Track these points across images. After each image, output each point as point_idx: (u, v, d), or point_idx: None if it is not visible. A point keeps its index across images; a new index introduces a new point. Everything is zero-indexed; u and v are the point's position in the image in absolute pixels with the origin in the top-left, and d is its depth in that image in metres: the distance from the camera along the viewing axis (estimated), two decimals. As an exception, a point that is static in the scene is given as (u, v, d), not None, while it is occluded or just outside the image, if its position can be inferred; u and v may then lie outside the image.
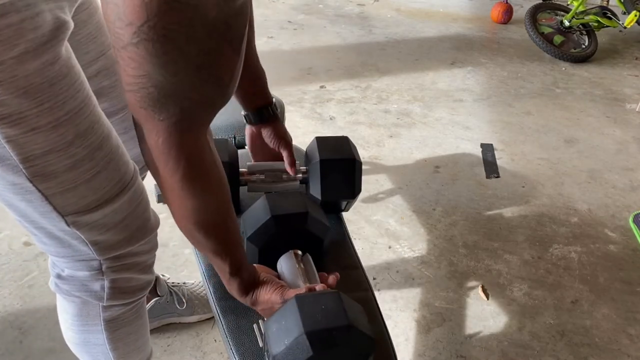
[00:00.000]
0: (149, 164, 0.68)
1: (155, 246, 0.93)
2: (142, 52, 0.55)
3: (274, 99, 1.08)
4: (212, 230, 0.74)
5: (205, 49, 0.57)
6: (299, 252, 0.91)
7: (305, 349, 0.70)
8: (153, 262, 0.95)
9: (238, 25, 0.60)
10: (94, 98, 0.76)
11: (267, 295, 0.82)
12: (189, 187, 0.68)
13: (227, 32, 0.58)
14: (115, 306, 0.93)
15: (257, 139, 1.08)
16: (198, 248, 0.78)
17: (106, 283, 0.88)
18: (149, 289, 0.97)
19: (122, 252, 0.86)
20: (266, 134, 1.07)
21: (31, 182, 0.71)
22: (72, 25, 0.72)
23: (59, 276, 0.89)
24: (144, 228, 0.87)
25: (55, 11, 0.68)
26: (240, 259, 0.80)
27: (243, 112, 1.07)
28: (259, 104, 1.05)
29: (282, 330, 0.72)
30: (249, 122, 1.07)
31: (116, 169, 0.79)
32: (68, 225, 0.78)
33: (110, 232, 0.82)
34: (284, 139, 1.07)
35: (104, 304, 0.91)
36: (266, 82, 1.07)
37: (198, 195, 0.69)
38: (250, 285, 0.82)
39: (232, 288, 0.82)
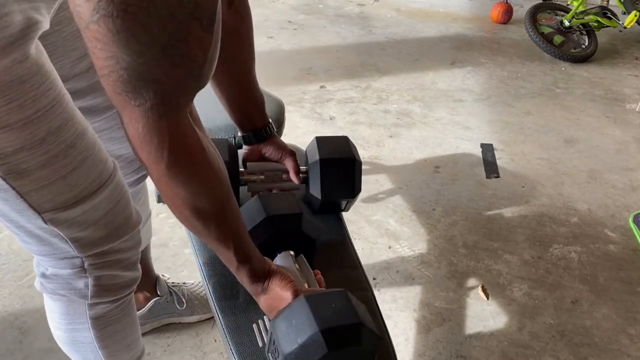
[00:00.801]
0: (135, 154, 0.67)
1: (138, 243, 0.92)
2: (103, 29, 0.54)
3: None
4: (211, 218, 0.73)
5: (170, 27, 0.56)
6: (292, 253, 0.91)
7: (321, 347, 0.70)
8: (137, 259, 0.94)
9: (206, 1, 0.58)
10: (67, 96, 0.76)
11: (277, 287, 0.80)
12: (177, 174, 0.67)
13: (195, 9, 0.57)
14: (101, 304, 0.93)
15: (253, 156, 1.09)
16: (201, 237, 0.77)
17: (90, 281, 0.88)
18: (135, 286, 0.96)
19: (103, 249, 0.85)
20: (266, 150, 1.07)
21: (4, 179, 0.71)
22: (45, 25, 0.72)
23: (43, 275, 0.89)
24: (125, 225, 0.87)
25: (28, 11, 0.68)
26: (247, 246, 0.79)
27: (240, 134, 1.07)
28: (256, 126, 1.06)
29: (294, 329, 0.72)
30: (247, 142, 1.08)
31: (92, 166, 0.79)
32: (45, 222, 0.78)
33: (90, 229, 0.82)
34: (286, 149, 1.07)
35: (89, 302, 0.91)
36: (264, 105, 1.07)
37: (188, 182, 0.68)
38: (261, 274, 0.81)
39: (242, 276, 0.80)
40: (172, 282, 1.47)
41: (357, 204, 1.94)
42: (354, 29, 3.68)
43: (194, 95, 0.66)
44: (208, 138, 0.75)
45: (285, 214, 0.93)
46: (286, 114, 1.52)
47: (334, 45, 3.42)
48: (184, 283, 1.49)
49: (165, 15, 0.55)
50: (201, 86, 0.64)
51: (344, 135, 1.13)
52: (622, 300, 1.60)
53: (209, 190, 0.72)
